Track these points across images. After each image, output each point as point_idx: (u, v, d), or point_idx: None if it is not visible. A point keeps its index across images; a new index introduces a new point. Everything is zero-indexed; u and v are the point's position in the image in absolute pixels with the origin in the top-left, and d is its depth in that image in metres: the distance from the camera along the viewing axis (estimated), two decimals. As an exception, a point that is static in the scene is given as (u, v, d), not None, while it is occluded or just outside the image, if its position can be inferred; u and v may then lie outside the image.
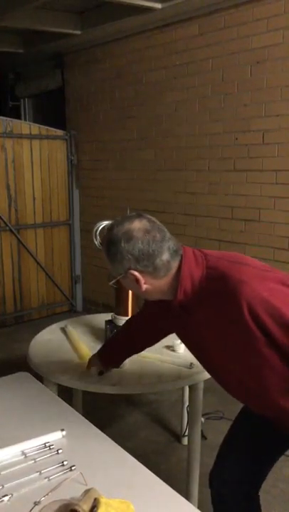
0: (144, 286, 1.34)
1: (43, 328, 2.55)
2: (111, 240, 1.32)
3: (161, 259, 1.30)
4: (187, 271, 1.32)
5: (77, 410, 1.64)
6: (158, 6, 3.60)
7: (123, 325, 1.94)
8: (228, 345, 1.32)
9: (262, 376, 1.31)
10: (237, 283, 1.23)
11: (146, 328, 1.75)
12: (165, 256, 1.31)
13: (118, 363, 1.93)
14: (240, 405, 1.62)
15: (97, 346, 2.28)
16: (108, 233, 1.35)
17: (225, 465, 1.60)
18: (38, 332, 2.48)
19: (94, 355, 1.93)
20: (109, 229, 1.35)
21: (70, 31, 4.28)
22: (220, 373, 1.47)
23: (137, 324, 1.81)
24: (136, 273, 1.31)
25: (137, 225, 1.31)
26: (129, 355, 1.91)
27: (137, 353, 1.92)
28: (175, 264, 1.33)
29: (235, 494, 1.55)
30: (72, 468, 1.24)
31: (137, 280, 1.33)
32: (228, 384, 1.47)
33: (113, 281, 1.44)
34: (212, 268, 1.31)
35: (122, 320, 2.25)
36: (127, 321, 1.95)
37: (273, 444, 1.52)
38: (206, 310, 1.32)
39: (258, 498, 1.60)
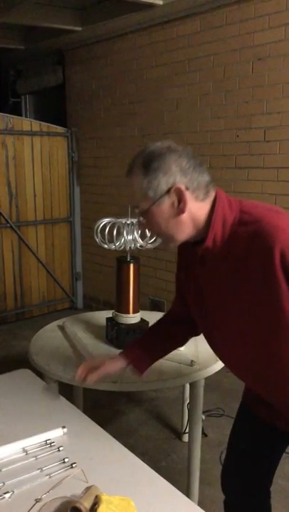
0: (184, 210, 1.19)
1: (44, 325, 2.55)
2: (153, 153, 1.20)
3: (203, 177, 1.22)
4: (220, 212, 1.21)
5: (77, 407, 1.64)
6: (159, 2, 3.59)
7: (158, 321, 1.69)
8: (247, 303, 1.20)
9: (281, 345, 1.19)
10: (273, 227, 1.12)
11: (182, 312, 1.56)
12: (206, 177, 1.23)
13: (149, 362, 1.59)
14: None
15: (97, 344, 2.28)
16: (144, 152, 1.22)
17: (231, 480, 1.59)
18: (39, 329, 2.48)
19: (120, 355, 1.58)
20: (141, 151, 1.23)
21: (71, 28, 4.27)
22: (232, 347, 1.32)
23: (172, 314, 1.64)
24: (182, 187, 1.18)
25: (174, 143, 1.22)
26: (165, 352, 1.65)
27: (173, 347, 1.67)
28: (212, 194, 1.24)
29: (247, 502, 1.56)
30: (73, 465, 1.24)
31: (180, 200, 1.19)
32: (239, 360, 1.34)
33: (145, 209, 1.23)
34: (246, 213, 1.20)
35: (122, 317, 2.25)
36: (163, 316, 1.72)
37: (274, 445, 1.50)
38: (233, 258, 1.20)
39: (269, 498, 1.60)
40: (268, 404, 1.37)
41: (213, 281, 1.28)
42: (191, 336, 1.64)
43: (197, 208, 1.22)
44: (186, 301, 1.50)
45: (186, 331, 1.60)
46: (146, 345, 1.59)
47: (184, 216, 1.21)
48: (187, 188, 1.19)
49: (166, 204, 1.20)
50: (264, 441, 1.48)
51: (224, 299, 1.27)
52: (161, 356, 1.63)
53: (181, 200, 1.19)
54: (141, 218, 1.27)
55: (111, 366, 1.54)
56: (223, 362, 1.48)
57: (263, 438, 1.48)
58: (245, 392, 1.54)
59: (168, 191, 1.19)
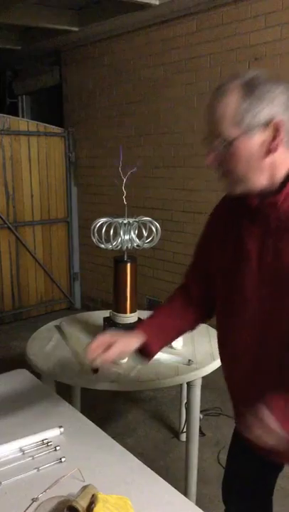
0: (276, 149, 1.05)
1: (42, 325, 2.55)
2: (259, 78, 1.04)
3: None
4: None
5: (75, 407, 1.64)
6: (156, 2, 3.59)
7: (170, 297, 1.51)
8: None
9: None
10: None
11: (200, 282, 1.40)
12: None
13: (162, 343, 1.42)
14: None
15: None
16: (245, 75, 1.06)
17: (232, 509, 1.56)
18: (36, 329, 2.48)
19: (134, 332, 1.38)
20: (239, 74, 1.07)
21: (68, 28, 4.27)
22: (254, 329, 1.17)
23: (185, 293, 1.46)
24: (281, 122, 1.03)
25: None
26: (177, 335, 1.50)
27: (190, 327, 1.50)
28: None
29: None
30: (70, 465, 1.24)
31: (275, 137, 1.04)
32: (252, 345, 1.19)
33: (232, 139, 1.06)
34: None
35: (120, 317, 2.25)
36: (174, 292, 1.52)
37: (269, 475, 1.46)
38: None
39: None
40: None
41: (267, 252, 1.12)
42: (203, 321, 1.49)
43: (283, 157, 1.07)
44: (206, 275, 1.34)
45: (198, 314, 1.45)
46: (161, 325, 1.42)
47: (268, 160, 1.06)
48: (283, 127, 1.04)
49: (258, 139, 1.04)
50: (261, 469, 1.43)
51: (278, 275, 1.10)
52: (172, 339, 1.49)
53: (276, 137, 1.04)
54: (218, 150, 1.09)
55: (126, 343, 1.34)
56: (226, 346, 1.33)
57: (259, 467, 1.41)
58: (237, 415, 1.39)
59: (266, 124, 1.03)
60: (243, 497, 1.50)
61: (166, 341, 1.43)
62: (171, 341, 1.46)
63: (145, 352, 1.38)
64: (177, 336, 1.50)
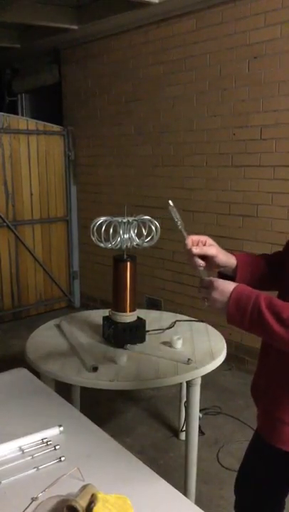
0: None
1: (41, 324, 2.55)
2: None
3: None
4: None
5: (74, 406, 1.64)
6: (155, 0, 3.58)
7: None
8: None
9: None
10: None
11: None
12: None
13: (249, 277, 1.39)
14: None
15: (94, 342, 2.28)
16: None
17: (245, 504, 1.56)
18: (36, 328, 2.48)
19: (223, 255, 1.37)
20: None
21: (67, 26, 4.27)
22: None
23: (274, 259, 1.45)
24: None
25: None
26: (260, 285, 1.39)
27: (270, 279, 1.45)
28: None
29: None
30: (70, 464, 1.24)
31: None
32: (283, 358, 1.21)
33: None
34: None
35: (119, 316, 2.25)
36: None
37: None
38: None
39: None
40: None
41: None
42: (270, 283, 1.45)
43: None
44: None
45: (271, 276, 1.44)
46: (254, 264, 1.42)
47: None
48: None
49: None
50: (278, 469, 1.42)
51: None
52: (254, 285, 1.32)
53: None
54: None
55: (217, 252, 1.36)
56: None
57: (277, 466, 1.41)
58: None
59: None
60: (257, 490, 1.51)
61: (252, 281, 1.37)
62: (253, 286, 1.33)
63: (238, 273, 1.38)
64: (261, 278, 1.44)
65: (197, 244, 1.34)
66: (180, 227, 1.35)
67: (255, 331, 1.17)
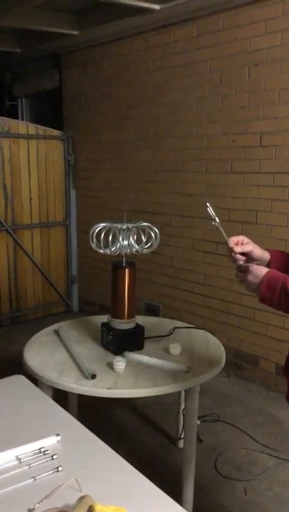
0: None
1: (39, 328, 2.54)
2: None
3: None
4: None
5: (72, 413, 1.62)
6: (156, 7, 3.60)
7: None
8: None
9: None
10: None
11: None
12: None
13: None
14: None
15: (92, 349, 2.27)
16: None
17: None
18: (34, 333, 2.47)
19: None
20: None
21: (68, 31, 4.28)
22: None
23: None
24: None
25: None
26: None
27: None
28: None
29: None
30: (67, 474, 1.23)
31: None
32: None
33: None
34: None
35: (118, 323, 2.24)
36: None
37: None
38: None
39: None
40: None
41: None
42: None
43: None
44: None
45: None
46: (285, 258, 1.61)
47: None
48: None
49: None
50: None
51: None
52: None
53: None
54: None
55: (253, 247, 1.59)
56: None
57: None
58: None
59: None
60: None
61: (284, 266, 1.55)
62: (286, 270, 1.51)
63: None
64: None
65: (237, 244, 1.59)
66: (219, 227, 1.59)
67: (283, 308, 1.38)
